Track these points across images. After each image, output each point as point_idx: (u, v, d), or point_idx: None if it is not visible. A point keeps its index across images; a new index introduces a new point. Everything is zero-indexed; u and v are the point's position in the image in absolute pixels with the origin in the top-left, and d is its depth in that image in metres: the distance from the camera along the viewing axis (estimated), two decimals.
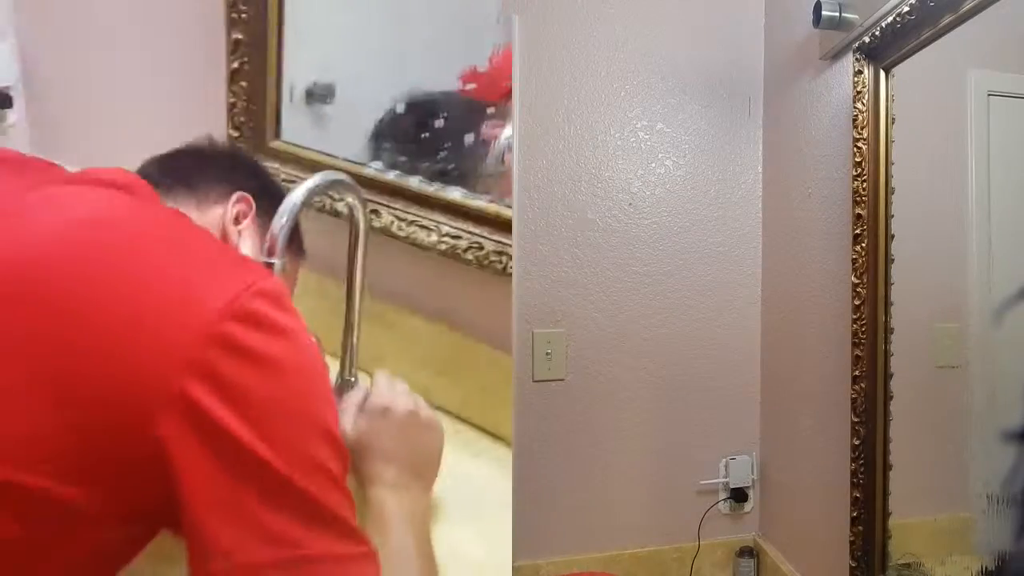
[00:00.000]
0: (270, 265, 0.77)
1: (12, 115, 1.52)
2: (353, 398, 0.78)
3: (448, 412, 0.99)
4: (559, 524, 1.74)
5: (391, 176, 1.01)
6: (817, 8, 1.36)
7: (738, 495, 1.83)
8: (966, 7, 1.07)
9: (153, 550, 0.63)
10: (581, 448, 1.76)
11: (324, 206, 1.05)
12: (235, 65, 1.14)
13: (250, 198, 0.79)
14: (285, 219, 0.78)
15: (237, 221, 0.77)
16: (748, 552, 1.81)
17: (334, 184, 0.84)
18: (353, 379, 0.96)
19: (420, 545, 0.66)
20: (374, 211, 1.00)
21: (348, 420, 0.76)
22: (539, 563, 1.73)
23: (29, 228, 0.56)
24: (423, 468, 0.75)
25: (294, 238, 0.86)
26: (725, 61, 1.76)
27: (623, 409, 1.77)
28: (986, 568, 1.09)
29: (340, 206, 0.97)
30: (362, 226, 0.90)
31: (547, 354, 1.71)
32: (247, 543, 0.51)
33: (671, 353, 1.78)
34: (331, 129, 1.14)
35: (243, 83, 1.15)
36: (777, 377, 1.76)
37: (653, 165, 1.75)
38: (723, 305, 1.80)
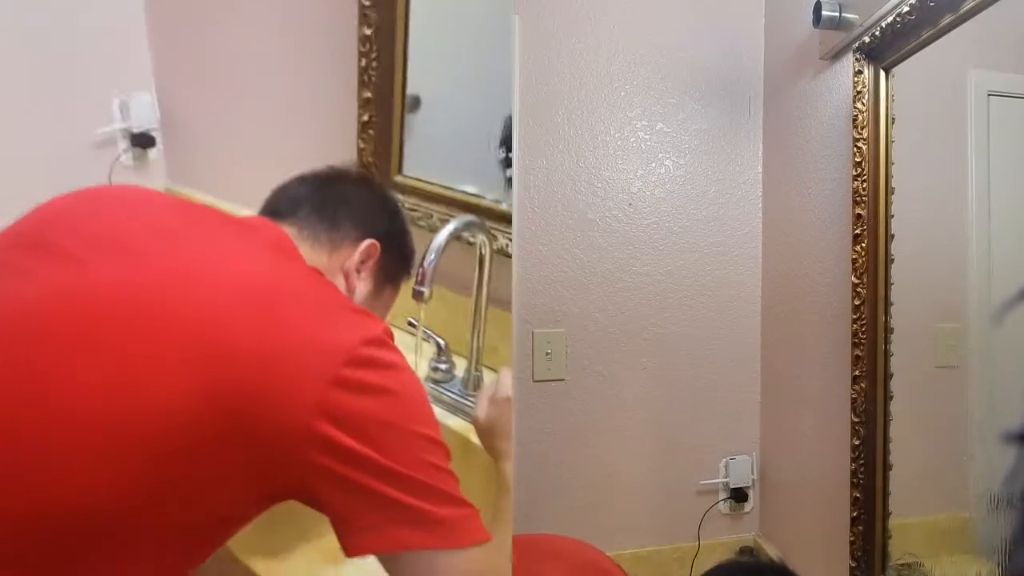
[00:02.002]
0: (419, 293, 1.00)
1: (153, 152, 1.79)
2: (484, 391, 0.94)
3: None
4: (559, 524, 1.74)
5: (504, 206, 1.22)
6: (817, 8, 1.36)
7: (738, 495, 1.83)
8: (966, 7, 1.07)
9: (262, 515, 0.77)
10: (581, 448, 1.76)
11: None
12: (364, 119, 1.37)
13: (378, 245, 0.91)
14: (433, 257, 1.01)
15: (362, 262, 0.90)
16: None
17: (469, 225, 1.08)
18: (479, 373, 1.20)
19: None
20: (495, 235, 1.21)
21: (481, 408, 0.93)
22: None
23: (212, 277, 0.71)
24: None
25: (405, 268, 1.00)
26: (725, 61, 1.76)
27: (623, 409, 1.77)
28: (987, 569, 1.09)
29: (465, 235, 1.17)
30: (488, 255, 1.14)
31: (547, 354, 1.71)
32: (383, 513, 0.66)
33: (671, 353, 1.78)
34: (418, 140, 1.36)
35: (371, 131, 1.37)
36: (777, 377, 1.76)
37: (653, 165, 1.75)
38: (723, 305, 1.80)
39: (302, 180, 0.94)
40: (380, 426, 0.67)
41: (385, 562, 0.69)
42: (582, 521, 1.75)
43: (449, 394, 1.20)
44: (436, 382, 1.22)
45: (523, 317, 1.69)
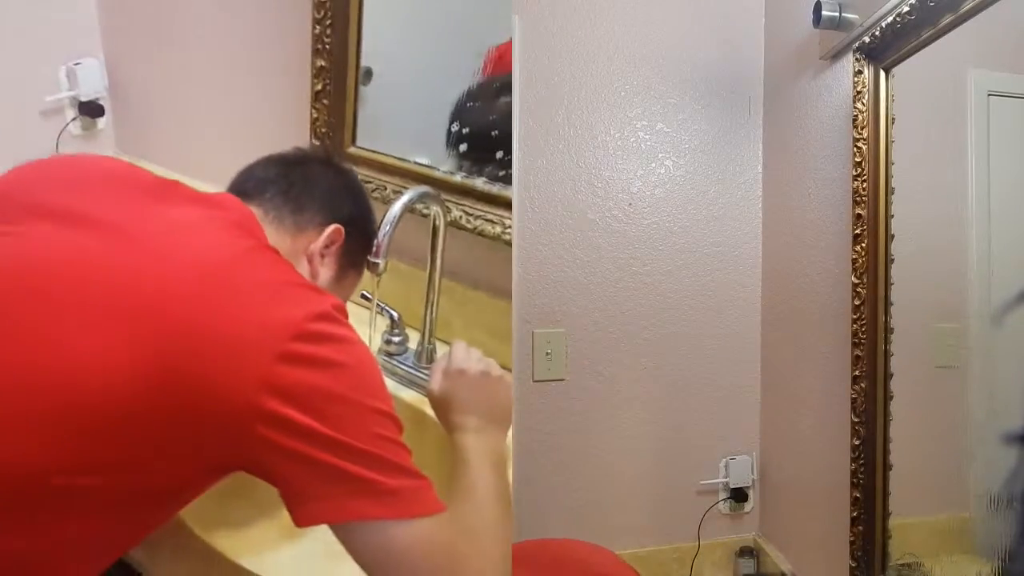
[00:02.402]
0: (375, 265, 0.99)
1: (102, 122, 1.73)
2: (438, 364, 0.94)
3: (510, 370, 1.21)
4: (559, 524, 1.74)
5: (459, 178, 1.22)
6: (817, 8, 1.36)
7: (738, 495, 1.83)
8: (966, 7, 1.07)
9: (220, 487, 0.77)
10: (581, 448, 1.76)
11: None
12: (318, 87, 1.35)
13: (342, 230, 0.92)
14: (388, 228, 1.00)
15: (326, 247, 0.91)
16: (748, 552, 1.81)
17: (423, 196, 1.07)
18: (432, 346, 1.20)
19: (496, 473, 0.82)
20: (447, 207, 1.19)
21: (435, 381, 0.92)
22: None
23: (173, 250, 0.73)
24: (498, 415, 0.91)
25: (368, 253, 1.00)
26: (725, 61, 1.76)
27: (623, 409, 1.77)
28: (987, 570, 1.09)
29: (419, 207, 1.17)
30: (441, 226, 1.13)
31: (547, 354, 1.71)
32: (333, 485, 0.66)
33: (671, 353, 1.78)
34: (379, 114, 1.34)
35: (324, 101, 1.35)
36: (777, 377, 1.76)
37: (653, 165, 1.75)
38: (723, 305, 1.80)
39: (269, 161, 0.94)
40: (328, 398, 0.67)
41: (337, 531, 0.69)
42: (582, 521, 1.75)
43: (402, 367, 1.20)
44: (389, 355, 1.22)
45: (523, 317, 1.69)
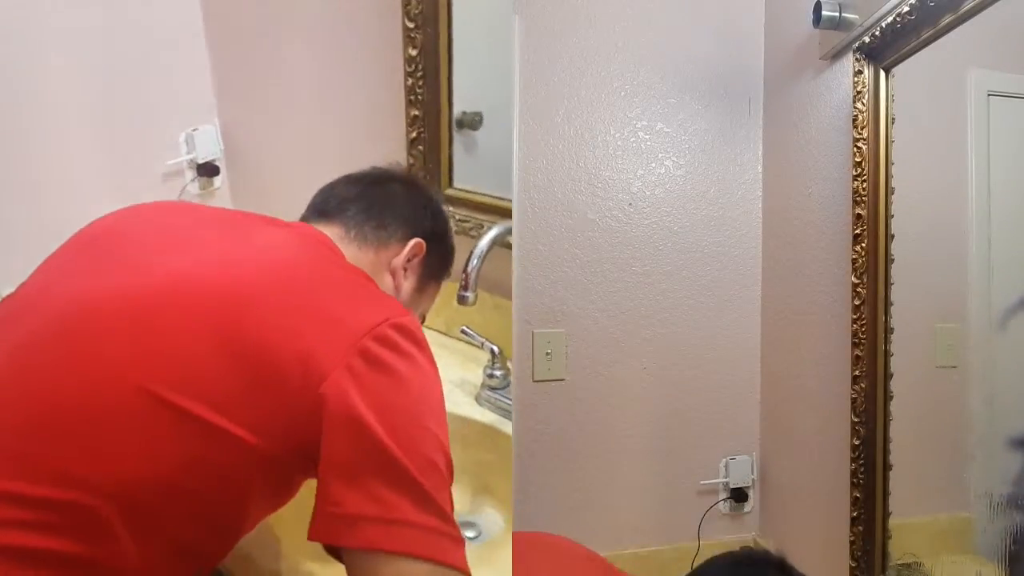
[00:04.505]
0: (464, 298, 1.06)
1: (218, 181, 1.92)
2: None
3: None
4: (559, 524, 1.74)
5: None
6: (817, 8, 1.36)
7: (738, 495, 1.83)
8: (966, 7, 1.07)
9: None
10: (581, 448, 1.76)
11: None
12: (413, 135, 1.44)
13: (423, 244, 0.96)
14: (476, 262, 1.06)
15: (408, 260, 0.95)
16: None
17: (510, 231, 1.13)
18: None
19: None
20: None
21: None
22: None
23: (250, 261, 0.79)
24: None
25: (447, 265, 1.04)
26: (725, 61, 1.76)
27: (623, 409, 1.77)
28: (987, 570, 1.09)
29: (508, 239, 1.23)
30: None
31: (547, 354, 1.71)
32: (355, 498, 0.65)
33: (671, 353, 1.78)
34: (479, 155, 1.45)
35: (420, 147, 1.44)
36: (777, 377, 1.76)
37: (653, 165, 1.75)
38: (723, 305, 1.80)
39: (349, 180, 0.99)
40: (392, 408, 0.68)
41: (344, 554, 0.67)
42: (582, 521, 1.75)
43: (505, 400, 1.20)
44: (492, 388, 1.22)
45: (523, 317, 1.69)
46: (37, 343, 0.73)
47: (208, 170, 1.89)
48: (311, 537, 0.67)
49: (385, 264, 0.93)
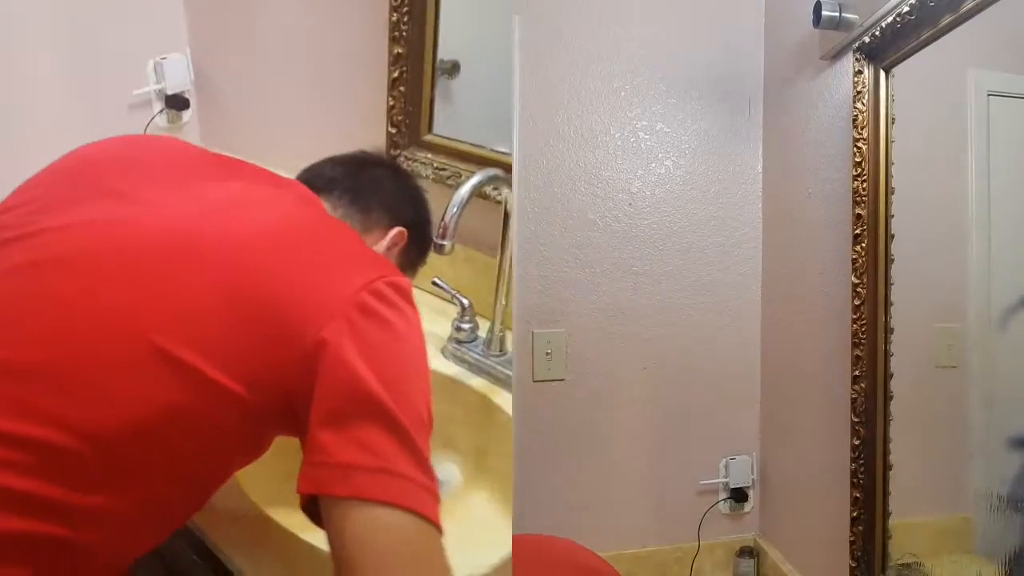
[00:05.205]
0: (440, 247, 1.00)
1: (187, 115, 1.80)
2: None
3: None
4: (559, 524, 1.74)
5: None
6: (817, 8, 1.36)
7: (738, 495, 1.83)
8: (966, 7, 1.07)
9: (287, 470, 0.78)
10: (581, 448, 1.76)
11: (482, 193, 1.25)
12: (395, 75, 1.36)
13: (405, 233, 0.97)
14: (456, 209, 1.00)
15: (388, 249, 0.95)
16: (748, 552, 1.81)
17: (493, 179, 1.06)
18: (502, 334, 1.19)
19: None
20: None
21: None
22: None
23: (249, 217, 0.78)
24: None
25: (425, 255, 1.04)
26: (725, 61, 1.76)
27: (623, 409, 1.77)
28: (987, 570, 1.09)
29: (486, 190, 1.18)
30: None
31: (547, 354, 1.71)
32: (345, 447, 0.65)
33: (671, 353, 1.78)
34: (456, 103, 1.38)
35: (401, 88, 1.37)
36: (777, 377, 1.76)
37: (653, 165, 1.75)
38: (723, 305, 1.80)
39: (334, 162, 0.99)
40: (386, 359, 0.69)
41: (322, 502, 0.67)
42: (582, 521, 1.75)
43: (472, 354, 1.20)
44: (459, 342, 1.22)
45: (523, 317, 1.69)
46: (39, 279, 0.73)
47: (177, 102, 1.77)
48: (300, 489, 0.67)
49: (370, 246, 0.93)
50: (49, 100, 1.60)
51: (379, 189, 0.97)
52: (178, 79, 1.77)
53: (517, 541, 0.95)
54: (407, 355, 0.72)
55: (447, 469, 1.17)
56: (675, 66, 1.74)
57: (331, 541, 0.65)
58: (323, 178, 0.95)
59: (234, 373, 0.69)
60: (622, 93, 1.72)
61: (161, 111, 1.76)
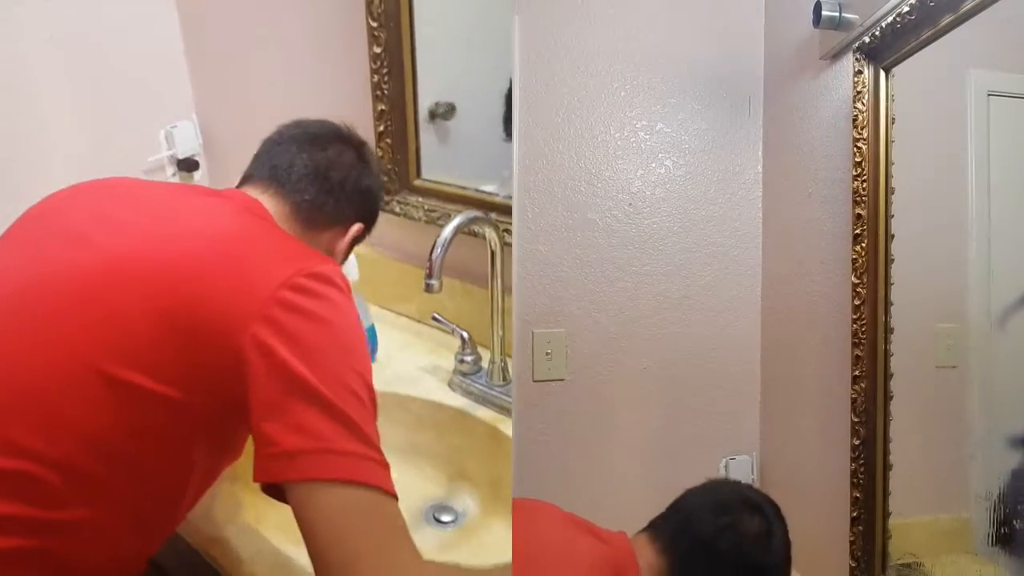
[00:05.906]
0: (429, 286, 1.08)
1: (197, 175, 2.01)
2: None
3: None
4: None
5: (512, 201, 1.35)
6: (817, 8, 1.36)
7: None
8: (966, 7, 1.07)
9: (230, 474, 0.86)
10: (581, 448, 1.75)
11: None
12: (380, 129, 1.51)
13: (363, 227, 1.03)
14: (440, 251, 1.08)
15: (350, 243, 1.02)
16: None
17: (474, 220, 1.14)
18: (503, 363, 1.26)
19: None
20: (506, 230, 1.28)
21: None
22: None
23: (185, 235, 0.83)
24: None
25: (369, 228, 1.09)
26: (725, 61, 1.76)
27: (623, 409, 1.77)
28: (987, 570, 1.09)
29: (476, 228, 1.25)
30: (497, 248, 1.22)
31: (547, 354, 1.71)
32: (287, 436, 0.70)
33: (671, 353, 1.78)
34: (453, 144, 1.50)
35: (388, 140, 1.51)
36: (777, 377, 1.76)
37: (653, 165, 1.75)
38: (723, 305, 1.80)
39: (296, 141, 1.02)
40: (311, 346, 0.73)
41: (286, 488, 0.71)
42: None
43: (476, 385, 1.23)
44: (464, 374, 1.25)
45: (523, 317, 1.69)
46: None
47: (188, 165, 1.96)
48: (255, 479, 0.72)
49: (327, 243, 0.99)
50: (71, 168, 1.75)
51: (345, 183, 1.01)
52: (188, 144, 1.96)
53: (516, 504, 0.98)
54: (333, 337, 0.76)
55: (463, 501, 1.19)
56: (675, 66, 1.74)
57: (297, 522, 0.70)
58: (284, 164, 0.99)
59: (176, 384, 0.74)
60: (622, 93, 1.72)
61: (174, 174, 1.95)
